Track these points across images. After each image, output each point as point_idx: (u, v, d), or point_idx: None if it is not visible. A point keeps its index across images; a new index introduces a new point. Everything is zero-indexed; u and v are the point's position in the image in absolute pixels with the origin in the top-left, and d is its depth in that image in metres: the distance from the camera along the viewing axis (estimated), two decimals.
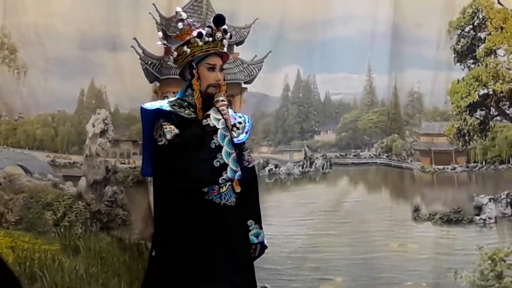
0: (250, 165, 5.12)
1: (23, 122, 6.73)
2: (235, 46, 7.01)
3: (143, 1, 6.87)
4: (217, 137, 4.60)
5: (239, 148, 4.92)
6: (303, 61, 7.10)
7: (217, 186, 4.69)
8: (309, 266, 6.88)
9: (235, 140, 4.79)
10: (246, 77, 7.04)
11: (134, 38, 6.77)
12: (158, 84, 6.97)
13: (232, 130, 4.76)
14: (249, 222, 5.09)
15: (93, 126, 6.79)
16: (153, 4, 6.81)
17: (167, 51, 5.09)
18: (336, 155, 7.17)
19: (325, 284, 6.89)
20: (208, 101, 4.82)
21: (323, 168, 7.12)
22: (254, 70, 7.05)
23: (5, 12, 6.68)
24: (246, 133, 5.00)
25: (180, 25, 4.87)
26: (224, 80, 4.99)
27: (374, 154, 7.19)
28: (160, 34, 5.10)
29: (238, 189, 4.83)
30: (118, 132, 6.91)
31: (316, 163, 7.14)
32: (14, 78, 6.68)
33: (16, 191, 6.63)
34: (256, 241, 5.11)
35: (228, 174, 4.58)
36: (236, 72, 7.05)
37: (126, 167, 6.90)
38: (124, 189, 6.83)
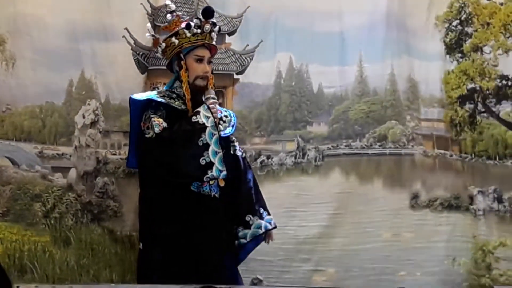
0: (243, 155, 5.22)
1: (10, 114, 6.70)
2: (226, 36, 7.03)
3: None
4: (205, 134, 4.63)
5: (228, 140, 5.02)
6: (295, 48, 7.11)
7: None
8: (302, 257, 6.89)
9: (222, 133, 4.83)
10: (238, 68, 7.04)
11: (126, 29, 6.75)
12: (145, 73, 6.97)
13: (219, 123, 4.80)
14: (247, 217, 5.16)
15: (83, 117, 6.76)
16: None
17: (156, 42, 4.96)
18: (328, 147, 7.18)
19: (318, 275, 6.89)
20: (196, 93, 4.88)
21: (315, 161, 7.13)
22: (246, 60, 7.06)
23: None
24: (232, 126, 5.06)
25: (169, 16, 4.93)
26: (212, 72, 5.04)
27: (365, 145, 7.21)
28: (149, 25, 5.16)
29: (222, 183, 4.88)
30: (108, 123, 6.89)
31: (308, 155, 7.14)
32: (2, 69, 6.65)
33: (3, 183, 6.60)
34: (261, 232, 5.19)
35: (214, 173, 4.61)
36: (228, 63, 7.05)
37: (117, 158, 6.87)
38: (115, 180, 6.82)
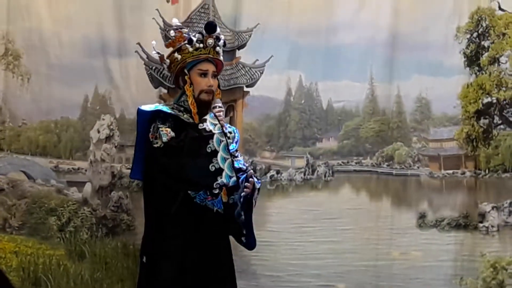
0: (247, 169, 5.14)
1: (26, 128, 7.05)
2: (237, 50, 7.34)
3: (147, 6, 7.20)
4: (213, 141, 4.65)
5: (233, 156, 4.94)
6: (305, 67, 7.39)
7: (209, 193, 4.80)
8: (311, 273, 7.12)
9: None
10: (248, 81, 7.33)
11: (138, 43, 7.07)
12: (164, 90, 7.30)
13: (225, 134, 4.80)
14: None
15: (98, 132, 7.11)
16: (157, 10, 7.15)
17: (161, 59, 5.02)
18: (338, 163, 7.42)
19: None
20: (203, 107, 4.94)
21: (325, 176, 7.38)
22: (256, 74, 7.36)
23: (9, 18, 7.00)
24: (236, 143, 5.02)
25: (172, 32, 5.02)
26: (219, 86, 5.08)
27: (375, 163, 7.46)
28: (154, 43, 5.32)
29: (225, 199, 4.95)
30: (123, 137, 7.22)
31: (318, 171, 7.40)
32: (18, 84, 7.00)
33: (19, 197, 6.96)
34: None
35: (223, 179, 4.62)
36: (238, 76, 7.36)
37: None
38: (129, 194, 7.16)
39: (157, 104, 5.04)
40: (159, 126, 4.76)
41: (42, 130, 7.13)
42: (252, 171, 5.11)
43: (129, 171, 6.91)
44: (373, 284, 7.22)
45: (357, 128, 7.55)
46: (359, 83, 7.45)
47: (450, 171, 7.47)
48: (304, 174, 7.43)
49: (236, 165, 4.90)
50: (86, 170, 7.12)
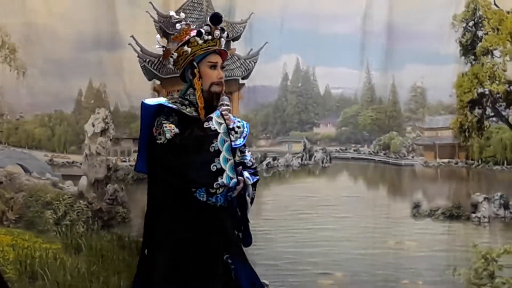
0: (253, 165, 5.29)
1: (23, 121, 7.14)
2: (231, 42, 7.40)
3: None
4: (217, 141, 4.71)
5: (240, 151, 5.16)
6: (302, 50, 7.51)
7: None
8: (308, 261, 7.24)
9: (233, 144, 4.90)
10: (243, 72, 7.43)
11: (132, 36, 7.17)
12: (158, 82, 7.39)
13: (230, 133, 4.87)
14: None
15: (93, 125, 7.21)
16: (150, 2, 7.23)
17: (167, 53, 5.03)
18: (336, 149, 7.54)
19: (324, 279, 7.24)
20: (212, 100, 4.98)
21: (322, 162, 7.49)
22: (250, 64, 7.45)
23: (5, 12, 7.05)
24: (244, 138, 5.10)
25: (178, 26, 5.02)
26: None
27: (372, 151, 7.59)
28: (158, 37, 5.31)
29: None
30: (118, 130, 7.33)
31: (315, 156, 7.52)
32: (14, 78, 7.09)
33: (16, 190, 7.04)
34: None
35: (224, 180, 4.68)
36: (233, 68, 7.44)
37: (126, 165, 7.33)
38: (124, 187, 7.27)
39: (162, 98, 5.15)
40: (163, 121, 4.83)
41: (37, 124, 7.23)
42: (251, 170, 5.20)
43: (124, 163, 7.41)
44: (370, 272, 7.33)
45: (355, 115, 7.68)
46: (357, 70, 7.58)
47: (445, 160, 7.60)
48: (302, 159, 7.55)
49: (246, 158, 5.16)
50: (81, 164, 7.21)
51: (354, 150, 7.63)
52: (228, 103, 4.93)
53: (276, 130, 7.53)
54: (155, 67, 7.34)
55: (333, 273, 7.33)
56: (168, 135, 4.75)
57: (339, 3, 7.47)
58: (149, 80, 7.44)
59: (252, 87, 7.45)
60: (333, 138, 7.63)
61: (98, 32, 7.23)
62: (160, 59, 7.35)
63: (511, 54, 7.42)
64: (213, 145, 4.70)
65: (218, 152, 4.70)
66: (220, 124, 4.78)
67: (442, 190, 7.54)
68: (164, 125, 4.80)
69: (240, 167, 4.99)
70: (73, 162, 7.27)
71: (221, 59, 5.06)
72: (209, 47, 5.01)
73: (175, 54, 5.06)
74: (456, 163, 7.57)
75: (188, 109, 4.95)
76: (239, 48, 7.45)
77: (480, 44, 7.48)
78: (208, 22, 5.06)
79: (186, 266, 4.83)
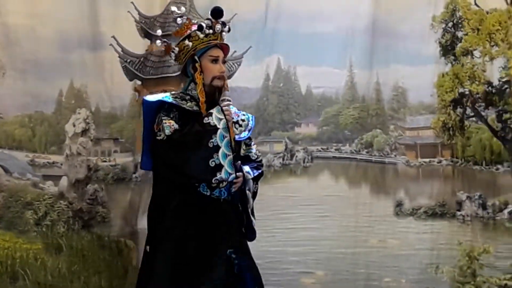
0: (258, 159, 5.31)
1: (3, 122, 7.13)
2: None
3: None
4: (216, 136, 4.74)
5: (245, 144, 5.21)
6: (284, 51, 7.55)
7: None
8: (290, 260, 7.28)
9: (237, 137, 5.01)
10: (226, 74, 7.45)
11: (113, 36, 7.22)
12: (139, 82, 7.46)
13: (234, 127, 4.97)
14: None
15: (74, 125, 7.23)
16: (132, 2, 7.29)
17: (168, 48, 5.06)
18: (318, 149, 7.58)
19: (306, 278, 7.28)
20: (214, 94, 5.01)
21: (304, 161, 7.53)
22: (233, 66, 7.47)
23: None
24: (249, 131, 5.18)
25: (179, 20, 5.04)
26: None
27: (354, 150, 7.63)
28: (159, 32, 5.36)
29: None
30: (99, 130, 7.37)
31: (297, 156, 7.55)
32: None
33: None
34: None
35: (222, 175, 4.70)
36: None
37: (107, 165, 7.38)
38: (104, 187, 7.30)
39: (163, 94, 5.12)
40: (163, 118, 4.89)
41: (17, 124, 7.24)
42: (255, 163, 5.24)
43: (104, 164, 7.41)
44: (351, 271, 7.37)
45: (336, 115, 7.74)
46: (338, 69, 7.65)
47: (427, 160, 7.67)
48: (283, 159, 7.60)
49: (252, 151, 5.19)
50: (61, 164, 7.23)
51: (336, 149, 7.68)
52: (229, 98, 4.96)
53: (257, 130, 7.52)
54: (136, 68, 7.41)
55: (315, 272, 7.38)
56: (167, 131, 4.80)
57: (321, 2, 7.53)
58: (130, 80, 7.50)
59: (234, 88, 7.39)
60: (314, 138, 7.67)
61: (79, 32, 7.25)
62: (141, 59, 7.42)
63: (491, 54, 7.52)
64: (212, 140, 4.75)
65: (217, 148, 4.74)
66: (220, 119, 4.81)
67: (424, 189, 7.63)
68: (164, 121, 4.85)
69: (239, 162, 5.00)
70: (53, 163, 7.28)
71: (222, 53, 5.09)
72: (210, 41, 5.03)
73: (176, 49, 5.09)
74: (439, 162, 7.64)
75: (188, 104, 4.99)
76: None
77: (459, 44, 7.57)
78: (209, 16, 5.08)
79: (188, 263, 4.85)
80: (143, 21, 7.40)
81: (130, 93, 7.47)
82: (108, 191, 7.34)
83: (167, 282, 4.84)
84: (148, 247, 5.01)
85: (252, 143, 5.30)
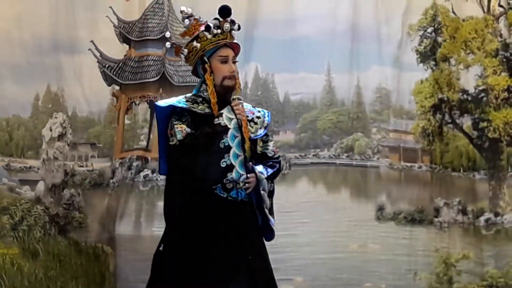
0: (276, 155, 5.15)
1: None
2: None
3: (100, 4, 7.39)
4: (227, 136, 4.69)
5: (262, 141, 5.07)
6: (261, 58, 7.58)
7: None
8: None
9: (252, 136, 4.90)
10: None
11: (92, 41, 7.27)
12: (117, 87, 7.52)
13: (249, 125, 4.87)
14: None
15: (50, 130, 7.26)
16: (110, 7, 7.37)
17: (177, 50, 4.90)
18: (296, 156, 7.61)
19: (285, 285, 7.25)
20: (226, 94, 4.91)
21: (282, 169, 7.63)
22: None
23: None
24: (265, 128, 5.05)
25: (186, 21, 4.91)
26: (237, 72, 4.98)
27: (333, 155, 7.67)
28: (168, 34, 5.28)
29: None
30: (76, 135, 7.42)
31: None
32: None
33: None
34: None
35: (233, 175, 4.65)
36: None
37: (84, 170, 7.41)
38: (81, 192, 7.33)
39: (176, 98, 5.02)
40: (175, 123, 4.82)
41: None
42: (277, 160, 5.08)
43: (81, 168, 7.45)
44: (331, 277, 7.40)
45: (314, 120, 7.78)
46: (316, 74, 7.70)
47: (409, 164, 7.74)
48: None
49: (269, 148, 5.03)
50: (38, 169, 7.26)
51: (314, 155, 7.72)
52: (240, 97, 4.87)
53: None
54: (114, 73, 7.45)
55: (294, 278, 7.41)
56: (179, 136, 4.76)
57: (298, 8, 7.60)
58: (109, 85, 7.55)
59: None
60: (292, 145, 7.71)
61: (56, 36, 7.30)
62: (120, 64, 7.48)
63: (466, 62, 7.65)
64: (223, 141, 4.68)
65: (228, 148, 4.69)
66: (231, 119, 4.75)
67: (405, 193, 7.69)
68: (176, 126, 4.80)
69: (250, 163, 4.84)
70: (30, 167, 7.31)
71: (232, 53, 4.96)
72: (218, 41, 4.90)
73: (185, 50, 4.95)
74: (420, 167, 7.71)
75: (200, 107, 4.89)
76: None
77: (439, 50, 7.66)
78: (217, 16, 4.92)
79: (204, 264, 4.74)
80: (122, 26, 7.46)
81: (108, 98, 7.51)
82: (85, 196, 7.36)
83: (182, 283, 4.74)
84: (162, 246, 4.86)
85: (270, 139, 5.16)
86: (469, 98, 7.68)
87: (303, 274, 7.42)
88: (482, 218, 7.62)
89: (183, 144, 4.72)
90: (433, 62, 7.70)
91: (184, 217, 4.78)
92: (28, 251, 7.07)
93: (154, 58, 7.75)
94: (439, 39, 7.70)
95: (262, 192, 4.91)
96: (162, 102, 4.92)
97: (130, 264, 7.41)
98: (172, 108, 4.85)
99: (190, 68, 7.05)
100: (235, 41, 4.92)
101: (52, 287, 6.96)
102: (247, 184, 4.75)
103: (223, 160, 4.64)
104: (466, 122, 7.71)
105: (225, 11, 4.86)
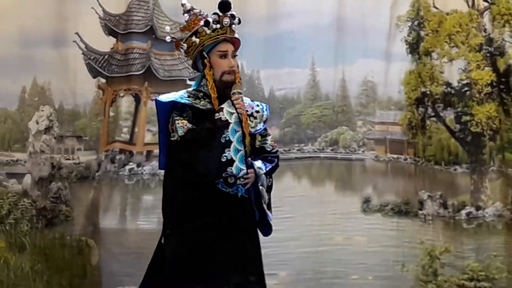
0: (274, 150, 5.21)
1: None
2: (180, 42, 7.65)
3: None
4: (228, 131, 4.73)
5: (260, 135, 5.11)
6: (246, 55, 7.42)
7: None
8: None
9: (252, 130, 4.95)
10: (190, 74, 7.61)
11: (77, 33, 7.38)
12: (103, 80, 7.63)
13: (249, 120, 4.92)
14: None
15: (37, 123, 7.37)
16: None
17: (177, 44, 4.94)
18: (280, 151, 7.74)
19: (269, 279, 6.99)
20: (224, 90, 4.95)
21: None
22: None
23: None
24: (264, 122, 5.11)
25: (186, 16, 4.94)
26: (238, 66, 5.05)
27: (318, 149, 7.81)
28: (168, 28, 5.32)
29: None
30: (62, 128, 7.53)
31: None
32: None
33: None
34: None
35: (233, 170, 4.68)
36: (181, 69, 7.71)
37: (70, 163, 7.51)
38: (68, 185, 7.44)
39: (176, 92, 5.04)
40: (175, 118, 4.85)
41: None
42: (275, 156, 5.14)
43: (68, 161, 7.54)
44: (316, 270, 7.55)
45: (298, 115, 7.94)
46: (300, 69, 7.84)
47: (395, 156, 7.92)
48: None
49: (267, 142, 5.09)
50: (25, 162, 7.38)
51: (298, 150, 7.86)
52: (240, 91, 4.93)
53: None
54: (100, 65, 7.55)
55: (278, 273, 7.52)
56: (180, 132, 4.80)
57: (286, 2, 7.76)
58: (94, 77, 7.66)
59: None
60: (276, 140, 7.55)
61: (41, 29, 7.38)
62: (106, 57, 7.59)
63: (449, 55, 7.81)
64: (224, 135, 4.73)
65: (229, 143, 4.74)
66: (232, 113, 4.81)
67: (391, 185, 7.87)
68: (177, 121, 4.84)
69: (249, 158, 4.89)
70: (17, 160, 7.42)
71: (232, 47, 5.01)
72: (218, 36, 4.95)
73: (185, 45, 5.00)
74: (405, 159, 7.88)
75: (202, 102, 4.94)
76: None
77: (422, 44, 7.83)
78: (217, 10, 4.95)
79: (204, 258, 4.84)
80: (108, 18, 7.55)
81: (93, 90, 7.61)
82: (72, 189, 7.48)
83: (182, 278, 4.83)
84: (163, 239, 4.98)
85: (268, 133, 5.22)
86: (453, 92, 7.85)
87: (288, 269, 7.55)
88: (463, 212, 7.79)
89: (184, 140, 4.77)
90: (418, 56, 7.85)
91: (185, 212, 4.84)
92: (14, 245, 7.19)
93: (139, 52, 7.84)
94: (422, 33, 7.85)
95: (260, 187, 4.98)
96: (163, 97, 4.96)
97: (115, 258, 7.52)
98: (173, 103, 4.89)
99: (176, 62, 7.30)
100: (235, 35, 4.97)
101: (38, 280, 7.06)
102: (245, 180, 4.81)
103: (223, 155, 4.70)
104: (449, 115, 7.87)
105: (225, 6, 4.90)
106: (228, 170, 4.69)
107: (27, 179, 7.37)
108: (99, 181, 7.64)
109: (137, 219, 7.73)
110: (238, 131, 4.76)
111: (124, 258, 7.46)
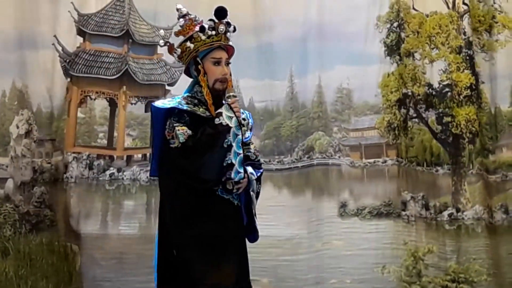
0: (257, 158, 5.34)
1: None
2: (158, 47, 8.16)
3: None
4: (229, 135, 4.86)
5: (244, 143, 5.15)
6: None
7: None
8: None
9: (245, 139, 5.07)
10: (169, 79, 8.31)
11: (55, 36, 7.91)
12: (68, 79, 8.07)
13: (241, 126, 5.03)
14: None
15: (17, 127, 7.97)
16: (72, 3, 7.92)
17: (170, 48, 5.07)
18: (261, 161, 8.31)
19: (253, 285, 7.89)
20: (217, 97, 5.09)
21: None
22: (176, 73, 8.24)
23: None
24: (251, 130, 5.28)
25: (181, 21, 5.09)
26: (230, 74, 5.18)
27: (295, 159, 8.41)
28: (162, 32, 5.44)
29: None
30: (41, 131, 8.04)
31: None
32: None
33: None
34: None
35: (232, 174, 4.83)
36: (160, 73, 8.32)
37: (49, 166, 7.86)
38: (49, 189, 7.82)
39: (170, 98, 5.16)
40: (175, 124, 4.96)
41: None
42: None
43: (49, 165, 7.80)
44: (296, 277, 8.05)
45: (278, 127, 8.59)
46: (279, 81, 8.36)
47: (371, 160, 8.48)
48: None
49: (250, 151, 5.17)
50: (7, 166, 7.89)
51: (278, 162, 8.51)
52: (235, 94, 5.08)
53: None
54: (75, 67, 8.05)
55: (260, 280, 8.09)
56: (181, 139, 4.89)
57: (262, 15, 8.17)
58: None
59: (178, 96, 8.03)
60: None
61: (19, 32, 7.87)
62: (72, 56, 8.05)
63: (430, 57, 8.45)
64: (226, 140, 4.86)
65: (230, 147, 4.87)
66: (231, 117, 4.93)
67: (369, 189, 8.47)
68: (176, 128, 4.93)
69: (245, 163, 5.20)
70: None
71: (226, 55, 5.18)
72: (212, 43, 5.08)
73: (179, 50, 5.13)
74: (384, 162, 8.44)
75: (201, 109, 5.07)
76: (166, 54, 7.87)
77: (403, 45, 8.42)
78: (213, 17, 5.11)
79: (204, 264, 4.91)
80: (81, 20, 8.03)
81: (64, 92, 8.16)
82: (51, 193, 7.88)
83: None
84: (175, 252, 5.01)
85: (251, 142, 5.32)
86: (434, 93, 8.45)
87: (269, 276, 8.18)
88: (445, 213, 8.54)
89: (186, 146, 4.90)
90: (398, 57, 8.39)
91: (186, 217, 4.93)
92: None
93: (114, 56, 8.33)
94: (403, 34, 8.40)
95: (251, 193, 5.21)
96: (159, 103, 5.11)
97: (97, 263, 7.94)
98: (170, 110, 5.04)
99: (155, 66, 7.53)
100: (230, 43, 5.17)
101: (22, 285, 7.55)
102: (239, 185, 5.02)
103: (226, 160, 4.83)
104: (431, 116, 8.42)
105: (221, 13, 5.09)
106: (227, 174, 4.89)
107: (9, 184, 7.98)
108: (72, 184, 8.01)
109: (118, 224, 8.16)
110: (238, 135, 4.95)
111: (106, 263, 7.89)
